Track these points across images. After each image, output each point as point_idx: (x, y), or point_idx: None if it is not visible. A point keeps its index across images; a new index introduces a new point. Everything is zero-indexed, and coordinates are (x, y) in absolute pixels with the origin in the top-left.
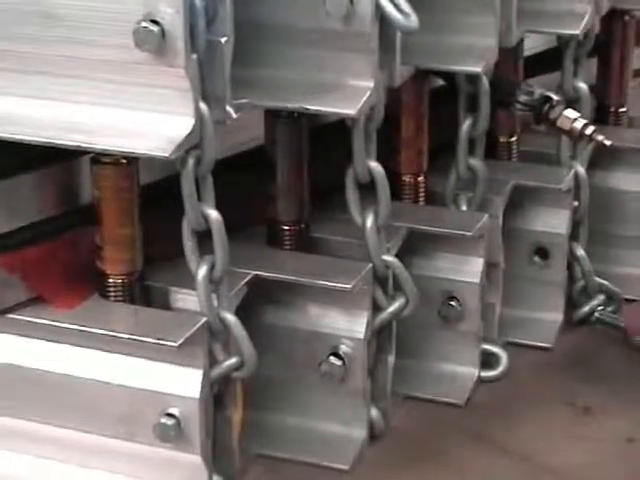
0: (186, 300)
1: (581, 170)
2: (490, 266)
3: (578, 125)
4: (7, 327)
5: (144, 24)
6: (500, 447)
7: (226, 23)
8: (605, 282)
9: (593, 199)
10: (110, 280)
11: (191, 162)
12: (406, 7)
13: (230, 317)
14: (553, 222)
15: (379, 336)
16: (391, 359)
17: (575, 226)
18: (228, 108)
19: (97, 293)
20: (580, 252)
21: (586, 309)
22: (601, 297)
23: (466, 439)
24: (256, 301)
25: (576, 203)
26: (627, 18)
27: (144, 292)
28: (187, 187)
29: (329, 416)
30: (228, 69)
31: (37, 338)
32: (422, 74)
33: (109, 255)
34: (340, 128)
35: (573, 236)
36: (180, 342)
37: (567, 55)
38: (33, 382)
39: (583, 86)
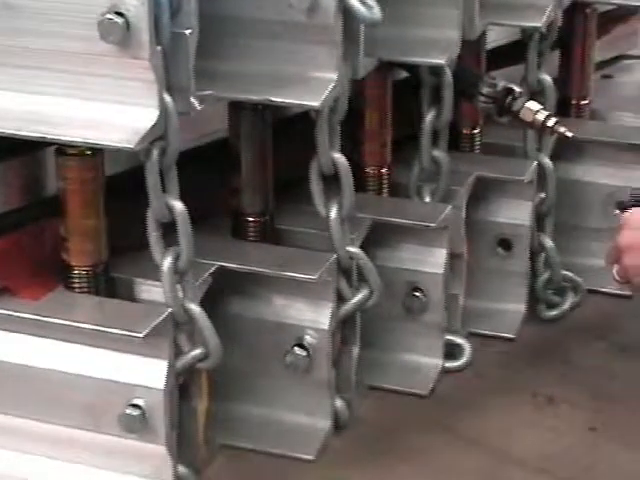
0: (151, 291)
1: (547, 162)
2: (453, 257)
3: (540, 117)
4: None
5: (109, 16)
6: (464, 437)
7: (190, 15)
8: (570, 274)
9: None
10: (75, 271)
11: (155, 153)
12: (369, 0)
13: (195, 308)
14: (516, 214)
15: (343, 327)
16: (355, 350)
17: (542, 218)
18: (192, 100)
19: (62, 285)
20: (549, 244)
21: (556, 312)
22: (571, 299)
23: (431, 429)
24: (221, 292)
25: (542, 195)
26: (588, 11)
27: (109, 283)
28: (151, 178)
29: (294, 407)
30: (192, 61)
31: (1, 329)
32: (386, 66)
33: (74, 246)
34: (304, 120)
35: (540, 228)
36: (145, 333)
37: (530, 48)
38: None
39: (547, 78)
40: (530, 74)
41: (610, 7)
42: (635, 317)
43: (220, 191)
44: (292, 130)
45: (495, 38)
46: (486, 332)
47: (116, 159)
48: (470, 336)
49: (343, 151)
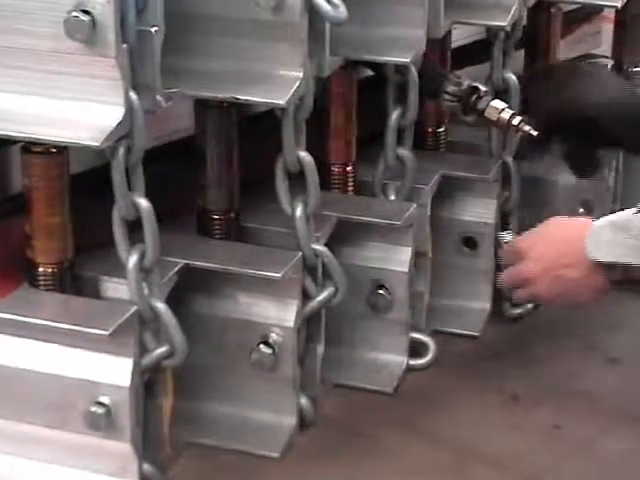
0: (117, 289)
1: (510, 160)
2: (418, 255)
3: (505, 115)
4: None
5: (75, 14)
6: (429, 434)
7: (156, 13)
8: None
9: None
10: (40, 269)
11: (121, 151)
12: None
13: (161, 305)
14: (481, 212)
15: (309, 325)
16: (320, 347)
17: (506, 216)
18: (158, 97)
19: (27, 282)
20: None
21: (521, 310)
22: None
23: (396, 427)
24: (187, 290)
25: (506, 193)
26: (553, 10)
27: (75, 281)
28: (117, 176)
29: (259, 404)
30: (158, 59)
31: None
32: (351, 64)
33: (39, 244)
34: (270, 118)
35: (505, 226)
36: (111, 331)
37: (495, 46)
38: None
39: (512, 77)
40: (495, 73)
41: (574, 6)
42: (599, 315)
43: (187, 189)
44: (258, 128)
45: (461, 36)
46: (451, 330)
47: (82, 157)
48: (435, 334)
49: (309, 149)
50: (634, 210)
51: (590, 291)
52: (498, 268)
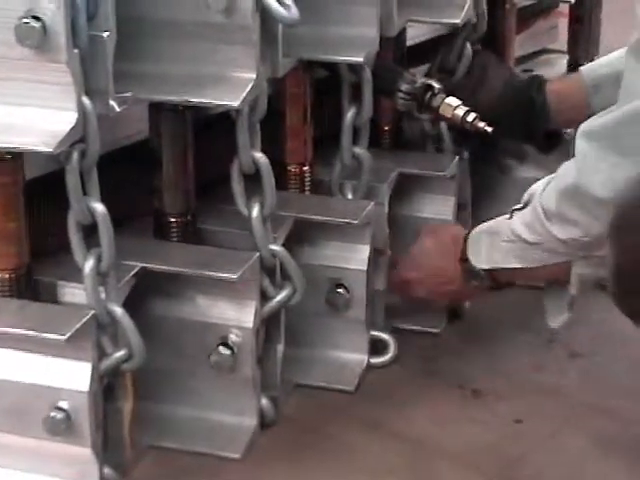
0: (74, 294)
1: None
2: (377, 253)
3: (460, 112)
4: None
5: (25, 20)
6: (392, 432)
7: (108, 18)
8: None
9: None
10: None
11: (75, 156)
12: None
13: (118, 309)
14: (439, 209)
15: (268, 325)
16: (280, 348)
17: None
18: (111, 102)
19: None
20: None
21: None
22: None
23: (358, 425)
24: (144, 293)
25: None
26: (508, 6)
27: (31, 287)
28: (72, 181)
29: (220, 406)
30: (110, 63)
31: None
32: (305, 64)
33: None
34: (225, 119)
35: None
36: (68, 335)
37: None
38: None
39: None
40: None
41: (530, 2)
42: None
43: (143, 192)
44: (214, 129)
45: (417, 34)
46: (412, 327)
47: (37, 162)
48: (396, 331)
49: (264, 149)
50: (506, 216)
51: (469, 295)
52: None
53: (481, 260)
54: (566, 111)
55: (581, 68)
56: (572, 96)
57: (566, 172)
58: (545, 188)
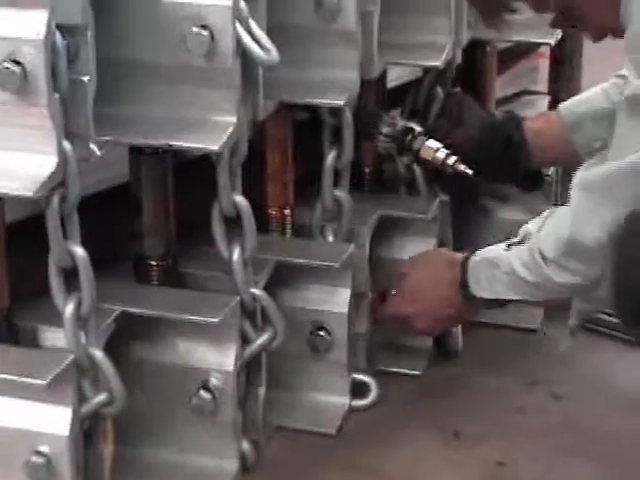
0: (54, 338)
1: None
2: (358, 296)
3: (441, 155)
4: None
5: (6, 64)
6: (373, 475)
7: (88, 62)
8: None
9: None
10: None
11: (56, 200)
12: (267, 43)
13: (98, 354)
14: (420, 251)
15: (249, 368)
16: (261, 391)
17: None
18: (92, 146)
19: None
20: None
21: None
22: None
23: (340, 468)
24: (125, 336)
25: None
26: (489, 48)
27: (11, 331)
28: (52, 225)
29: (201, 449)
30: (91, 107)
31: None
32: (286, 107)
33: None
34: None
35: None
36: (48, 381)
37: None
38: None
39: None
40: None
41: (510, 44)
42: (539, 352)
43: (124, 235)
44: (194, 172)
45: (399, 76)
46: (393, 369)
47: (17, 205)
48: (377, 374)
49: (245, 191)
50: (503, 246)
51: (462, 319)
52: None
53: (482, 289)
54: (546, 147)
55: (559, 106)
56: (551, 133)
57: (561, 221)
58: (541, 228)
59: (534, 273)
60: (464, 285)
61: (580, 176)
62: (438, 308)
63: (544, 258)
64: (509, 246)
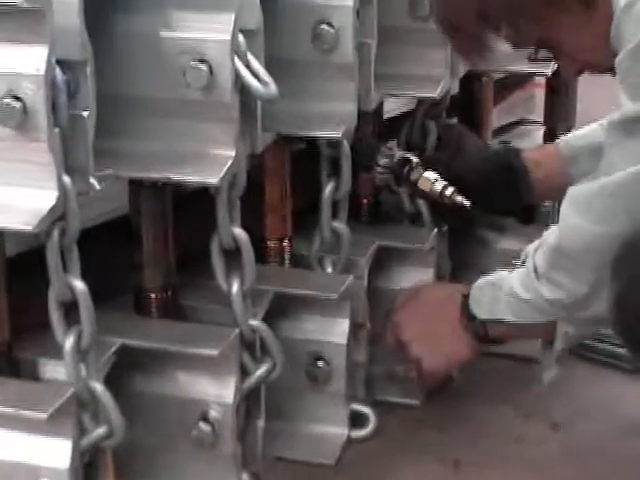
0: (54, 370)
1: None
2: (356, 326)
3: (438, 186)
4: None
5: (6, 100)
6: None
7: (88, 96)
8: None
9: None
10: None
11: (56, 234)
12: (265, 76)
13: (98, 387)
14: (418, 281)
15: (248, 400)
16: (261, 422)
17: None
18: (92, 180)
19: None
20: None
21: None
22: None
23: None
24: (124, 369)
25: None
26: (485, 79)
27: (11, 363)
28: (52, 259)
29: None
30: (91, 141)
31: None
32: (284, 139)
33: None
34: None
35: None
36: (48, 414)
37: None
38: None
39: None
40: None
41: (506, 74)
42: (537, 380)
43: (123, 267)
44: (193, 204)
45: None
46: (392, 400)
47: (17, 239)
48: (376, 404)
49: (243, 223)
50: (507, 271)
51: (462, 347)
52: None
53: (483, 310)
54: (543, 179)
55: (557, 141)
56: (549, 165)
57: (551, 234)
58: (538, 247)
59: (528, 290)
60: (466, 309)
61: (570, 191)
62: (442, 341)
63: (537, 273)
64: (513, 268)
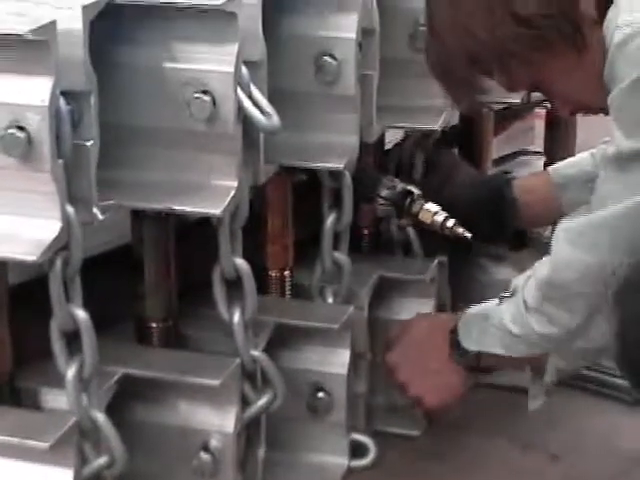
0: (56, 399)
1: (443, 260)
2: (357, 356)
3: (439, 218)
4: None
5: (11, 130)
6: None
7: (91, 127)
8: None
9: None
10: None
11: (59, 264)
12: (268, 108)
13: (100, 416)
14: (420, 311)
15: (248, 429)
16: (261, 452)
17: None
18: (95, 210)
19: None
20: None
21: None
22: None
23: None
24: (126, 398)
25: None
26: (485, 110)
27: (13, 393)
28: (55, 288)
29: None
30: (94, 171)
31: None
32: (286, 170)
33: None
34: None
35: None
36: (50, 444)
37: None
38: None
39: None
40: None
41: (506, 105)
42: (534, 413)
43: (125, 296)
44: (195, 234)
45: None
46: (392, 430)
47: (20, 268)
48: (376, 434)
49: (245, 253)
50: (496, 300)
51: (457, 381)
52: None
53: (472, 341)
54: (533, 205)
55: (548, 168)
56: (540, 191)
57: (542, 266)
58: (528, 279)
59: (518, 324)
60: (455, 341)
61: (563, 223)
62: (437, 378)
63: (526, 307)
64: (501, 299)
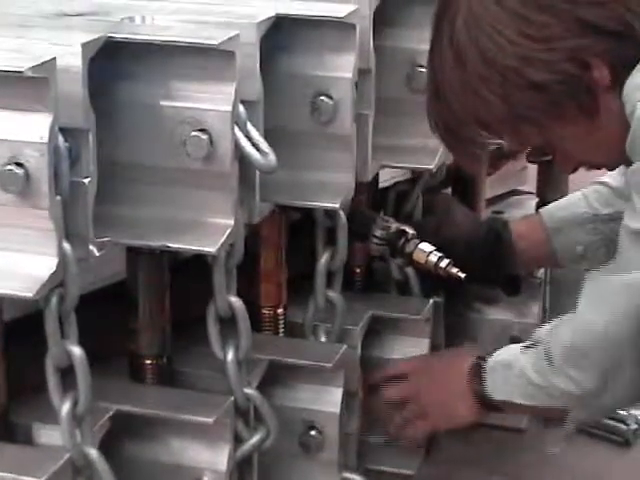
0: (50, 435)
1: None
2: (349, 395)
3: (433, 258)
4: None
5: (9, 167)
6: None
7: (89, 164)
8: None
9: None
10: None
11: (54, 300)
12: (265, 147)
13: (93, 452)
14: (413, 351)
15: (240, 466)
16: None
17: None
18: (91, 246)
19: None
20: None
21: None
22: None
23: None
24: (119, 434)
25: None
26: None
27: (7, 428)
28: (50, 324)
29: None
30: (91, 208)
31: None
32: (281, 209)
33: None
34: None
35: None
36: (44, 479)
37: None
38: None
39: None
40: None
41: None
42: (527, 450)
43: (118, 332)
44: (190, 271)
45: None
46: (385, 469)
47: (15, 304)
48: (369, 473)
49: (238, 290)
50: (518, 348)
51: (467, 411)
52: None
53: (498, 391)
54: (528, 250)
55: (540, 211)
56: (534, 235)
57: (565, 328)
58: (551, 334)
59: (542, 377)
60: (480, 391)
61: (587, 285)
62: (450, 400)
63: (551, 364)
64: (524, 348)
